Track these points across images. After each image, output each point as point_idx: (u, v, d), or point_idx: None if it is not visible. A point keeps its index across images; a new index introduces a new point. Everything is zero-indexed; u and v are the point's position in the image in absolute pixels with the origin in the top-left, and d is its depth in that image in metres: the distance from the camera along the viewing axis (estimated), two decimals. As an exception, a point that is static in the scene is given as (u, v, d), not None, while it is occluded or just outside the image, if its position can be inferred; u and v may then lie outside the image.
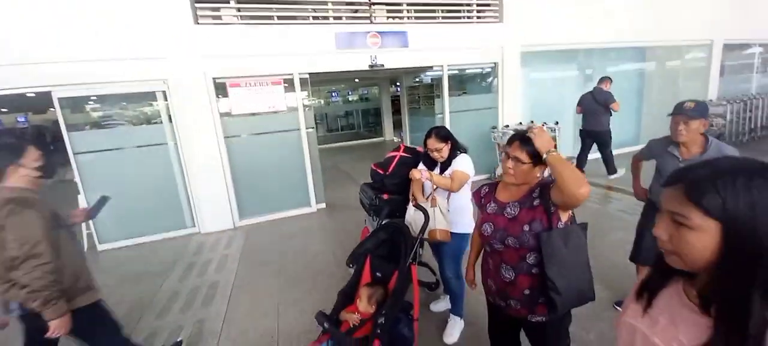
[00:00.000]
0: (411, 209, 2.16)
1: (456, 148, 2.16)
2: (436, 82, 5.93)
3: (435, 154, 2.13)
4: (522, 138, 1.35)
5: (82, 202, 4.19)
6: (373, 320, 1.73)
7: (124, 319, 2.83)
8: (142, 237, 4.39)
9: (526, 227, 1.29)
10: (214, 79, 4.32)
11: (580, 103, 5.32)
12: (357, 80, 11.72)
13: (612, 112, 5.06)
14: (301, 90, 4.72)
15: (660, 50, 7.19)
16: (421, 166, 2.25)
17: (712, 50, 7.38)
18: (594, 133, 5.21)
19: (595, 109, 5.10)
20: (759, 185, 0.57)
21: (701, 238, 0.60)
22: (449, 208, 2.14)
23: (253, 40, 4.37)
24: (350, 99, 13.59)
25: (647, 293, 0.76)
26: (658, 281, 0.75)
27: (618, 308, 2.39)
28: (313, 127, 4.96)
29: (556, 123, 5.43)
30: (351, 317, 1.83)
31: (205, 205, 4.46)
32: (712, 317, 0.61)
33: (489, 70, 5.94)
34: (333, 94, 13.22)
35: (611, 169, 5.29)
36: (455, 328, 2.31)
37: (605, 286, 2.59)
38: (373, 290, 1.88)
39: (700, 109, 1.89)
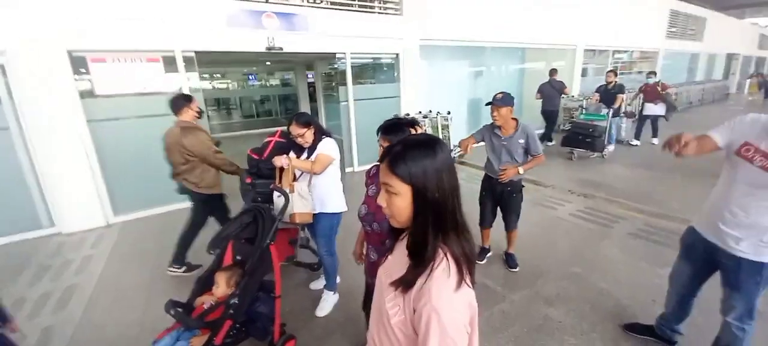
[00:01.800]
0: (275, 193, 2.22)
1: (321, 133, 2.28)
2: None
3: (299, 140, 2.22)
4: (385, 128, 1.33)
5: None
6: (226, 302, 1.76)
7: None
8: (-24, 242, 3.62)
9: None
10: (69, 52, 3.70)
11: (539, 91, 6.66)
12: (269, 63, 11.10)
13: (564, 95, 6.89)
14: (186, 70, 4.32)
15: (535, 52, 8.40)
16: (291, 153, 2.32)
17: (575, 54, 8.90)
18: (554, 113, 6.88)
19: (552, 94, 6.67)
20: (426, 154, 0.78)
21: (402, 200, 0.78)
22: (315, 190, 2.26)
23: (123, 8, 3.83)
24: (269, 83, 12.79)
25: (389, 245, 0.97)
26: (394, 238, 0.96)
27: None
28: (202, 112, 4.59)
29: (449, 112, 5.99)
30: (205, 302, 1.84)
31: (65, 200, 3.84)
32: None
33: (392, 60, 6.22)
34: (250, 77, 12.27)
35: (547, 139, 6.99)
36: (328, 302, 2.47)
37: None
38: (230, 273, 1.90)
39: (505, 99, 2.41)
